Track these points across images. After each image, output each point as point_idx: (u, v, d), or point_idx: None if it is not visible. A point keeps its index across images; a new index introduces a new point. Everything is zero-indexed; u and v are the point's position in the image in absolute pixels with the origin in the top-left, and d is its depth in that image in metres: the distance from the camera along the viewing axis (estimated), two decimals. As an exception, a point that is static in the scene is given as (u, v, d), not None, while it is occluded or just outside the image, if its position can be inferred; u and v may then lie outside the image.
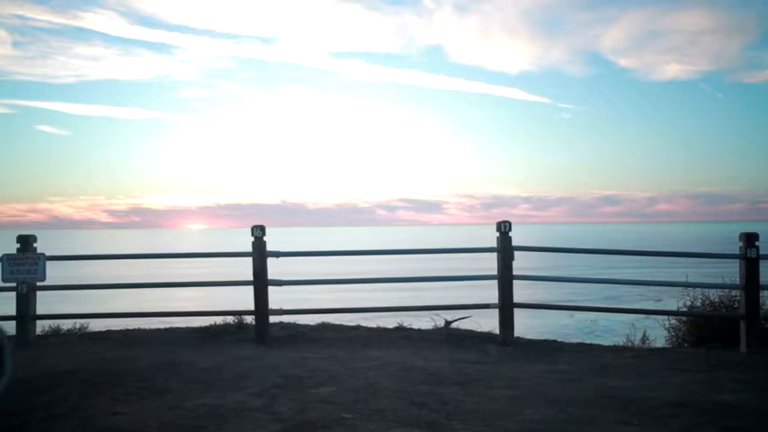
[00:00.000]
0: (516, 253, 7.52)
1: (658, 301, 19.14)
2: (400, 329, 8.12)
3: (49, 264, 8.07)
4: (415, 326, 8.35)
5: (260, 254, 7.54)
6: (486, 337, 7.78)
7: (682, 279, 10.28)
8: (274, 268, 7.75)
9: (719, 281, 8.21)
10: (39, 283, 7.60)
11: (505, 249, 7.50)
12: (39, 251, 7.63)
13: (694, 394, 5.09)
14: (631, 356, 6.94)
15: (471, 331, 8.08)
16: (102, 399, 4.88)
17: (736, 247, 7.43)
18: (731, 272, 8.01)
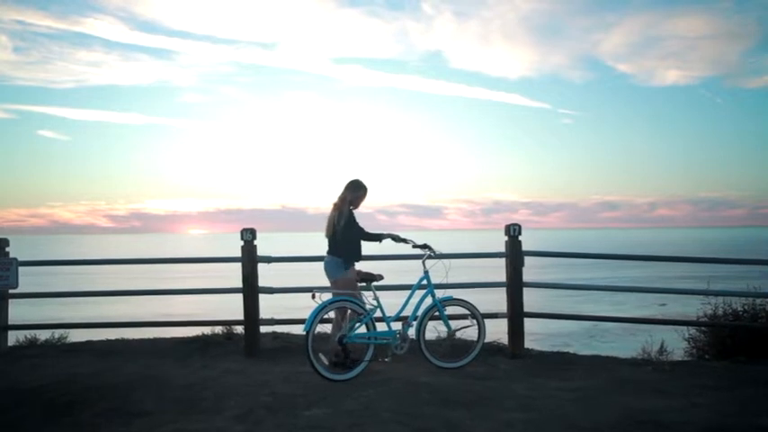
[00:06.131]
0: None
1: (662, 305, 18.64)
2: (401, 340, 7.56)
3: (36, 270, 7.57)
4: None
5: (250, 259, 6.99)
6: (493, 348, 7.22)
7: (687, 285, 9.78)
8: (268, 274, 7.22)
9: (730, 288, 7.72)
10: (11, 291, 7.04)
11: (515, 254, 6.96)
12: (12, 256, 7.09)
13: (730, 417, 4.54)
14: (651, 371, 6.38)
15: (477, 342, 7.52)
16: (66, 422, 4.34)
17: (739, 251, 6.90)
18: (738, 277, 7.51)
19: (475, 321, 6.29)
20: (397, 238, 6.19)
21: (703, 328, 7.76)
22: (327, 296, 5.66)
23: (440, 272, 6.13)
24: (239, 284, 7.04)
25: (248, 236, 6.97)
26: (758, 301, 7.49)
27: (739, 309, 7.69)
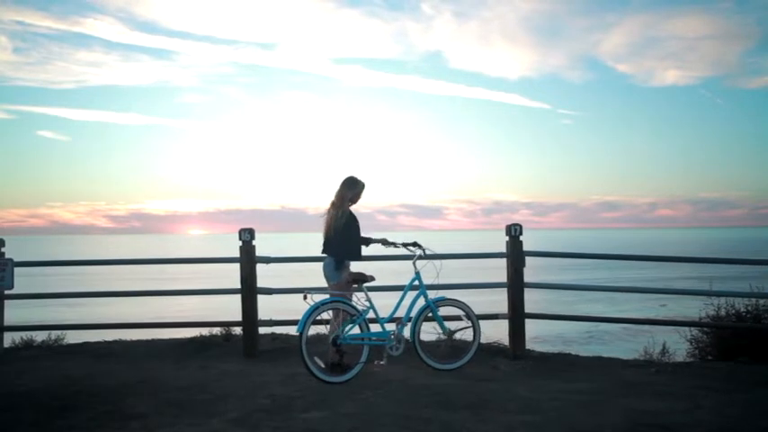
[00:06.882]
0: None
1: (662, 306, 18.55)
2: (401, 342, 7.47)
3: (34, 270, 7.49)
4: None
5: (248, 259, 6.92)
6: (494, 349, 7.15)
7: (688, 285, 9.66)
8: (267, 275, 7.15)
9: (732, 288, 7.65)
10: (7, 292, 6.97)
11: (516, 255, 6.89)
12: (7, 256, 7.01)
13: (736, 420, 4.46)
14: (654, 372, 6.32)
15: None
16: (62, 425, 4.26)
17: (739, 251, 6.85)
18: (738, 277, 7.41)
19: (470, 322, 6.21)
20: (385, 242, 6.16)
21: (706, 329, 7.69)
22: (319, 297, 5.59)
23: (432, 272, 6.06)
24: (238, 285, 6.96)
25: (246, 236, 6.90)
26: (761, 301, 7.42)
27: (742, 310, 7.62)
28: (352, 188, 6.05)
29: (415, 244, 6.25)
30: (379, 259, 6.78)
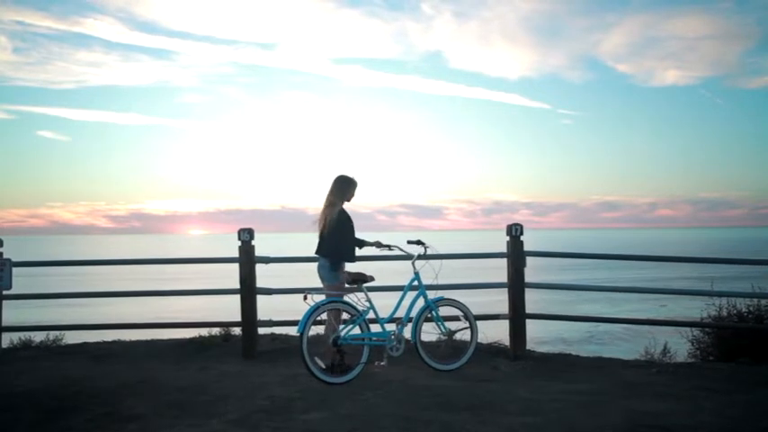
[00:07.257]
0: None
1: (662, 306, 18.53)
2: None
3: (33, 271, 7.45)
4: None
5: (248, 259, 6.90)
6: (494, 350, 7.13)
7: (688, 285, 9.60)
8: (266, 275, 7.13)
9: (733, 289, 7.64)
10: (5, 292, 6.94)
11: (516, 255, 6.86)
12: (6, 257, 6.98)
13: (739, 421, 4.44)
14: (655, 373, 6.30)
15: (478, 343, 7.42)
16: (58, 426, 4.24)
17: (739, 251, 6.82)
18: (738, 277, 7.39)
19: (467, 322, 6.19)
20: (379, 245, 6.15)
21: (707, 330, 7.67)
22: (320, 298, 5.57)
23: (431, 272, 6.03)
24: (237, 285, 6.94)
25: (246, 236, 6.87)
26: (763, 302, 7.41)
27: (744, 310, 7.60)
28: (345, 187, 6.01)
29: (419, 242, 6.24)
30: (378, 259, 6.76)
